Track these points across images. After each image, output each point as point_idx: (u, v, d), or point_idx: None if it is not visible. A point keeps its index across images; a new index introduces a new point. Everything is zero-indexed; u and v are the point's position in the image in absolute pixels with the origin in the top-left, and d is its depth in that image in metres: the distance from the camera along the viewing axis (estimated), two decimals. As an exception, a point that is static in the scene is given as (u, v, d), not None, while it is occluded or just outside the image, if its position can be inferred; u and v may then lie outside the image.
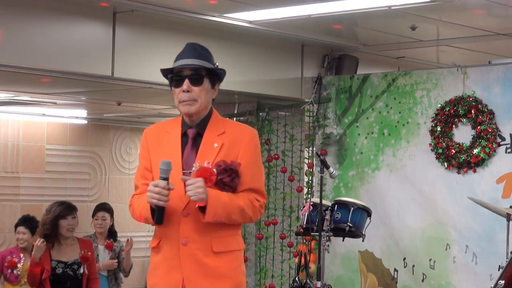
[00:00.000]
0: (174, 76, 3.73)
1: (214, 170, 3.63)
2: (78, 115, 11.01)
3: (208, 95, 3.75)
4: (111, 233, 7.85)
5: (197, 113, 3.74)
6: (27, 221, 7.50)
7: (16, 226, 7.55)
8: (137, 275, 11.24)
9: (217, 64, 3.81)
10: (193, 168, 3.64)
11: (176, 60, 3.77)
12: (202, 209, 3.63)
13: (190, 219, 3.68)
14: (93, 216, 7.93)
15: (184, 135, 3.78)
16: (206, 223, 3.65)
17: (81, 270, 6.59)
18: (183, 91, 3.69)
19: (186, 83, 3.69)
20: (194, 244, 3.68)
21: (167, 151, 3.73)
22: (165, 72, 3.78)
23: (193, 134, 3.75)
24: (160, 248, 3.75)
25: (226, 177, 3.65)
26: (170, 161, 3.63)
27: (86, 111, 10.73)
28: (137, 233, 11.26)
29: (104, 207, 8.01)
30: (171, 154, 3.72)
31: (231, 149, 3.71)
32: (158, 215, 3.64)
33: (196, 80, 3.70)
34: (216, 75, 3.78)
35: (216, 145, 3.71)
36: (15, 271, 7.25)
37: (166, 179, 3.60)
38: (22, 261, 7.29)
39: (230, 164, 3.67)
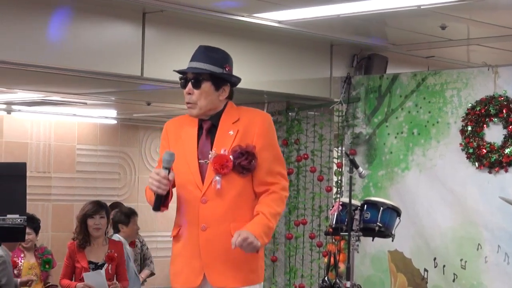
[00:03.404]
0: (181, 78, 3.90)
1: (231, 156, 3.76)
2: (108, 115, 11.08)
3: (210, 98, 3.84)
4: None
5: (200, 115, 3.86)
6: (30, 221, 7.51)
7: None
8: (166, 276, 11.29)
9: (227, 67, 3.85)
10: (210, 156, 3.80)
11: (189, 62, 3.92)
12: None
13: (208, 205, 3.79)
14: None
15: (200, 127, 3.90)
16: (225, 208, 3.77)
17: (103, 269, 6.64)
18: (186, 93, 3.85)
19: (188, 86, 3.84)
20: (213, 229, 3.78)
21: (185, 143, 3.87)
22: (178, 73, 3.93)
23: (208, 126, 3.88)
24: (180, 237, 3.87)
25: (244, 160, 3.77)
26: (173, 153, 3.78)
27: (116, 111, 10.79)
28: (165, 233, 11.30)
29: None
30: (188, 145, 3.86)
31: (246, 134, 3.82)
32: (156, 201, 3.78)
33: (195, 83, 3.83)
34: (221, 78, 3.86)
35: (231, 132, 3.82)
36: (15, 271, 7.30)
37: (167, 169, 3.74)
38: (22, 260, 7.36)
39: (246, 147, 3.78)
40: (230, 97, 3.91)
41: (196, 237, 3.80)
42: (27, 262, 7.39)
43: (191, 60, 3.87)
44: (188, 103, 3.85)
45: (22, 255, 7.39)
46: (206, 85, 3.83)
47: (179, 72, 3.89)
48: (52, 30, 5.88)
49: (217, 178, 3.77)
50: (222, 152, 3.78)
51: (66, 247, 6.78)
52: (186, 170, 3.83)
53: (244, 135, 3.81)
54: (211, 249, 3.77)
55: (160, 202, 3.77)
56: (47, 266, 7.40)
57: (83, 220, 6.70)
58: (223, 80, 3.86)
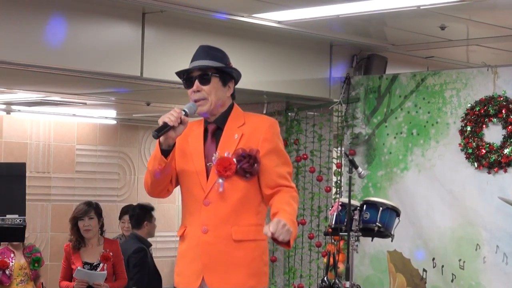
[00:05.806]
0: (185, 78, 3.88)
1: (234, 159, 3.75)
2: (107, 115, 11.08)
3: (220, 93, 3.85)
4: None
5: (210, 112, 3.85)
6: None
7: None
8: (166, 275, 11.30)
9: (228, 63, 3.89)
10: (213, 158, 3.79)
11: (190, 63, 3.91)
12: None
13: (211, 207, 3.79)
14: (120, 218, 7.95)
15: (205, 130, 3.90)
16: (227, 211, 3.77)
17: (98, 270, 6.64)
18: (193, 91, 3.83)
19: (196, 83, 3.83)
20: (214, 232, 3.78)
21: (191, 145, 3.87)
22: (179, 75, 3.92)
23: (213, 128, 3.88)
24: (185, 237, 3.87)
25: (245, 163, 3.75)
26: (196, 106, 3.81)
27: (115, 111, 10.79)
28: (166, 233, 11.31)
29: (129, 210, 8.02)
30: (194, 148, 3.86)
31: (251, 139, 3.81)
32: (159, 128, 3.71)
33: (204, 79, 3.83)
34: (227, 74, 3.88)
35: (236, 136, 3.82)
36: (7, 271, 7.18)
37: (184, 110, 3.75)
38: (13, 260, 7.26)
39: (249, 151, 3.77)
40: (233, 96, 3.93)
41: (197, 239, 3.80)
42: (17, 263, 7.25)
43: (193, 60, 3.87)
44: (197, 100, 3.83)
45: (12, 255, 7.25)
46: (215, 80, 3.83)
47: (183, 71, 3.87)
48: (52, 30, 5.89)
49: (220, 181, 3.77)
50: (225, 155, 3.77)
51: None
52: (192, 172, 3.83)
53: (248, 139, 3.81)
54: (211, 252, 3.77)
55: (162, 130, 3.70)
56: (36, 265, 7.35)
57: (74, 222, 6.71)
58: (229, 76, 3.88)
